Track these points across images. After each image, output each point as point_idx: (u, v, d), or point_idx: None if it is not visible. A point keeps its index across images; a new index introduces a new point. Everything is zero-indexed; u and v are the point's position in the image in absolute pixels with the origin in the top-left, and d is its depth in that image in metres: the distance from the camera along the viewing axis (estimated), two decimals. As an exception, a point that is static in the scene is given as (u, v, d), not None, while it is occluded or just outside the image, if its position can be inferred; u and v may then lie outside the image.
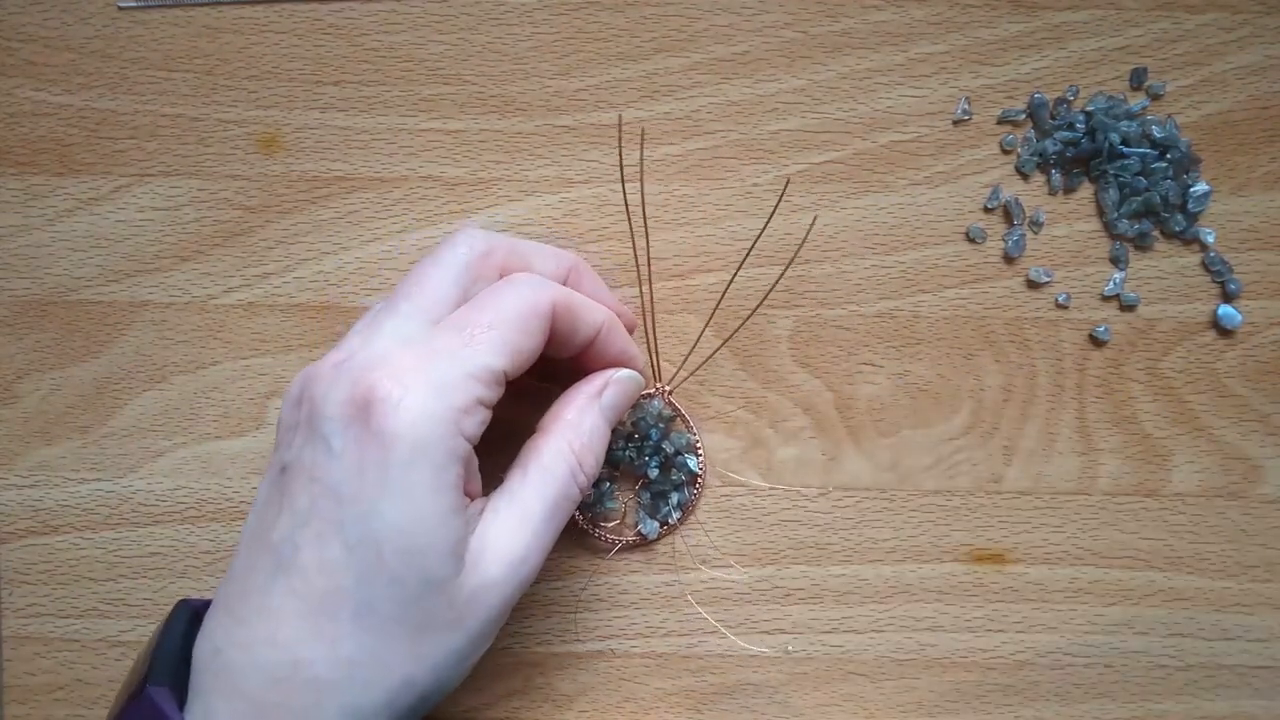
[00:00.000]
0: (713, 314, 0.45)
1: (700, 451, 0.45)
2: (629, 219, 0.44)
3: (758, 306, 0.45)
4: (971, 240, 0.47)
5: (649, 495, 0.45)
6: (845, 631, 0.46)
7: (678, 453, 0.45)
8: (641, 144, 0.44)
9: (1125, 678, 0.46)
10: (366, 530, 0.33)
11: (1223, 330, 0.46)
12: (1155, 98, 0.47)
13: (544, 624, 0.46)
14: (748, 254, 0.45)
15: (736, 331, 0.46)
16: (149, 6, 0.47)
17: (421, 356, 0.35)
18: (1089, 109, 0.47)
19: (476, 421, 0.35)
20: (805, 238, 0.36)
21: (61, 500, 0.46)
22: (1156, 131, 0.46)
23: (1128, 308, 0.47)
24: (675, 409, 0.45)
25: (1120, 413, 0.46)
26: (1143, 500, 0.46)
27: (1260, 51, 0.47)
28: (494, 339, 0.36)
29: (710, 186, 0.47)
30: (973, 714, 0.46)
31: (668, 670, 0.46)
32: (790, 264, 0.42)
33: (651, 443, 0.44)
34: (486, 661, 0.45)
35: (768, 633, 0.46)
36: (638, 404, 0.44)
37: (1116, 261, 0.47)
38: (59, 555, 0.46)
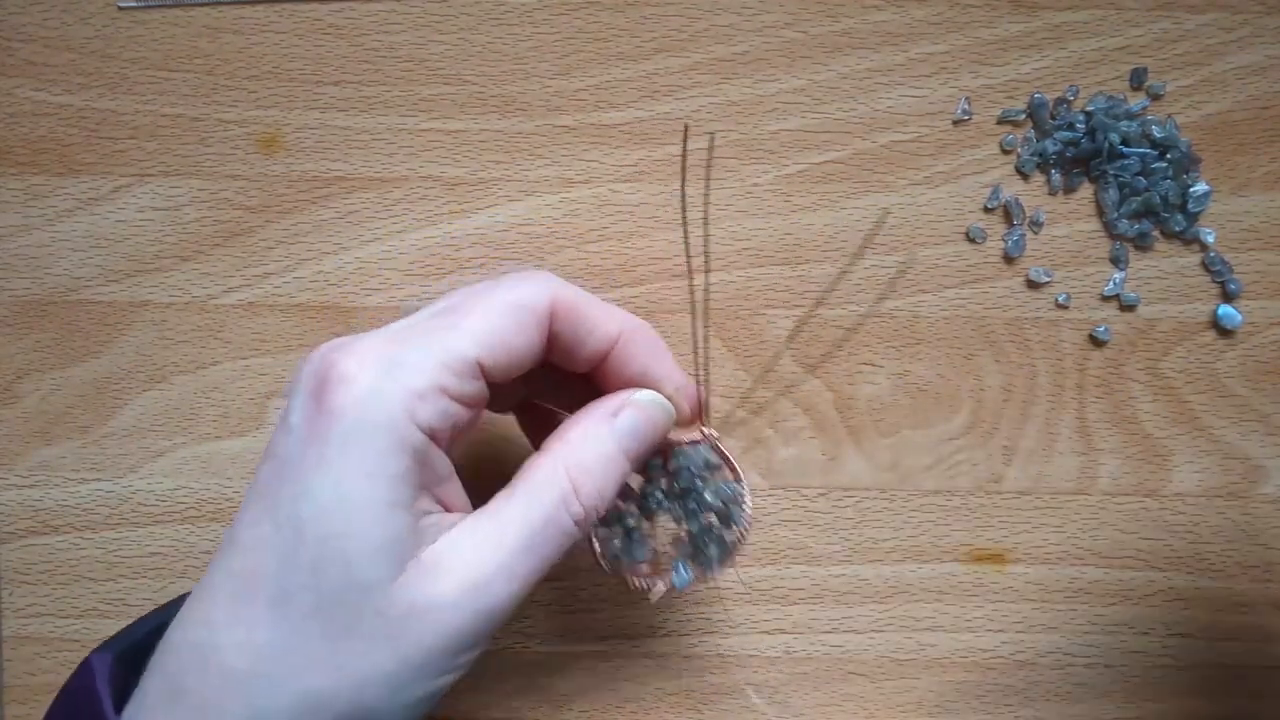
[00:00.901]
0: (773, 354, 0.45)
1: (746, 503, 0.40)
2: (688, 257, 0.43)
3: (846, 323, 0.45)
4: (971, 240, 0.47)
5: (688, 546, 0.40)
6: (845, 631, 0.46)
7: (724, 504, 0.39)
8: (708, 175, 0.42)
9: (1125, 678, 0.46)
10: (294, 509, 0.30)
11: (1223, 330, 0.46)
12: (1155, 98, 0.47)
13: (544, 624, 0.46)
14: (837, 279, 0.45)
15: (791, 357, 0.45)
16: (149, 6, 0.47)
17: (392, 339, 0.32)
18: (1089, 109, 0.47)
19: (436, 411, 0.31)
20: (875, 231, 0.34)
21: (61, 500, 0.46)
22: (1156, 131, 0.46)
23: (1128, 308, 0.47)
24: (723, 455, 0.40)
25: (1120, 413, 0.46)
26: (1143, 500, 0.46)
27: (1260, 51, 0.47)
28: (473, 326, 0.33)
29: (710, 186, 0.47)
30: (973, 714, 0.46)
31: (668, 670, 0.46)
32: (856, 257, 0.42)
33: (695, 494, 0.39)
34: (487, 661, 0.45)
35: (768, 633, 0.46)
36: (678, 450, 0.39)
37: (1116, 261, 0.47)
38: (59, 555, 0.46)
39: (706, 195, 0.36)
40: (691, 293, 0.42)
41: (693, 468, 0.39)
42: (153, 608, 0.46)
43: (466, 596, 0.31)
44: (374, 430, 0.30)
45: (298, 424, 0.31)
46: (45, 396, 0.46)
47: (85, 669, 0.33)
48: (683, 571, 0.39)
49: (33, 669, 0.46)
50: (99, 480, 0.46)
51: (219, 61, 0.47)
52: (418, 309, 0.35)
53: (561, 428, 0.35)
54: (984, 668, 0.46)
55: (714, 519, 0.39)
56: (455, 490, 0.34)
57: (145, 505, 0.46)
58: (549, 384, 0.38)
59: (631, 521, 0.39)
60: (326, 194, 0.47)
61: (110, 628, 0.46)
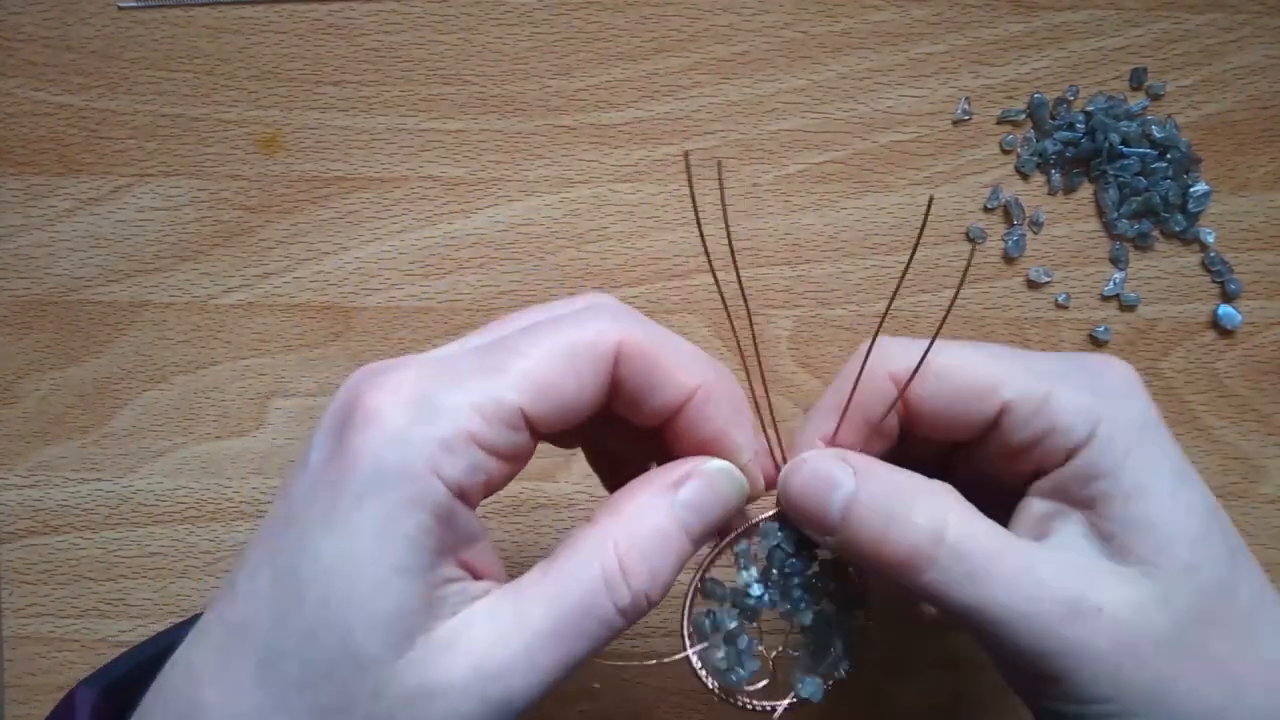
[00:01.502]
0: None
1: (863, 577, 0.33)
2: (724, 303, 0.34)
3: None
4: (971, 240, 0.47)
5: (806, 644, 0.33)
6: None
7: (838, 585, 0.32)
8: (721, 184, 0.34)
9: (1125, 678, 0.46)
10: (295, 563, 0.27)
11: (1223, 330, 0.46)
12: (1155, 98, 0.47)
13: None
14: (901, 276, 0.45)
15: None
16: (149, 6, 0.47)
17: (430, 373, 0.28)
18: (1089, 109, 0.47)
19: (465, 464, 0.27)
20: (925, 219, 0.32)
21: (61, 500, 0.46)
22: (1156, 131, 0.46)
23: (1128, 308, 0.47)
24: None
25: (1120, 413, 0.46)
26: (1143, 500, 0.46)
27: (1260, 51, 0.47)
28: (521, 368, 0.28)
29: (710, 186, 0.47)
30: (973, 714, 0.46)
31: (668, 670, 0.46)
32: (914, 249, 0.39)
33: (798, 579, 0.32)
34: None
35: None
36: (764, 528, 0.32)
37: (1116, 261, 0.47)
38: (59, 555, 0.46)
39: (727, 228, 0.32)
40: (754, 340, 0.36)
41: (785, 545, 0.32)
42: (152, 607, 0.46)
43: (477, 683, 0.27)
44: (391, 483, 0.26)
45: (315, 463, 0.28)
46: (45, 396, 0.46)
47: (68, 702, 0.32)
48: (809, 683, 0.32)
49: (33, 669, 0.46)
50: (99, 480, 0.46)
51: (219, 61, 0.47)
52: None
53: (615, 497, 0.30)
54: (984, 667, 0.46)
55: (828, 605, 0.32)
56: (486, 554, 0.29)
57: (145, 505, 0.46)
58: (617, 429, 0.33)
59: (732, 625, 0.32)
60: (326, 194, 0.47)
61: (110, 628, 0.46)
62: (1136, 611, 0.28)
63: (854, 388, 0.32)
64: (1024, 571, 0.29)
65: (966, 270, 0.42)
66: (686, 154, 0.33)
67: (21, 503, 0.46)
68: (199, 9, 0.47)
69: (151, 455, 0.46)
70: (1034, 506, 0.31)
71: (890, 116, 0.47)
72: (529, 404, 0.28)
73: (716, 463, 0.31)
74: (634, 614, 0.28)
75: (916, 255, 0.47)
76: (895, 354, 0.32)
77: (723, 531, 0.32)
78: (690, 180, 0.32)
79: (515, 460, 0.29)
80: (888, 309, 0.32)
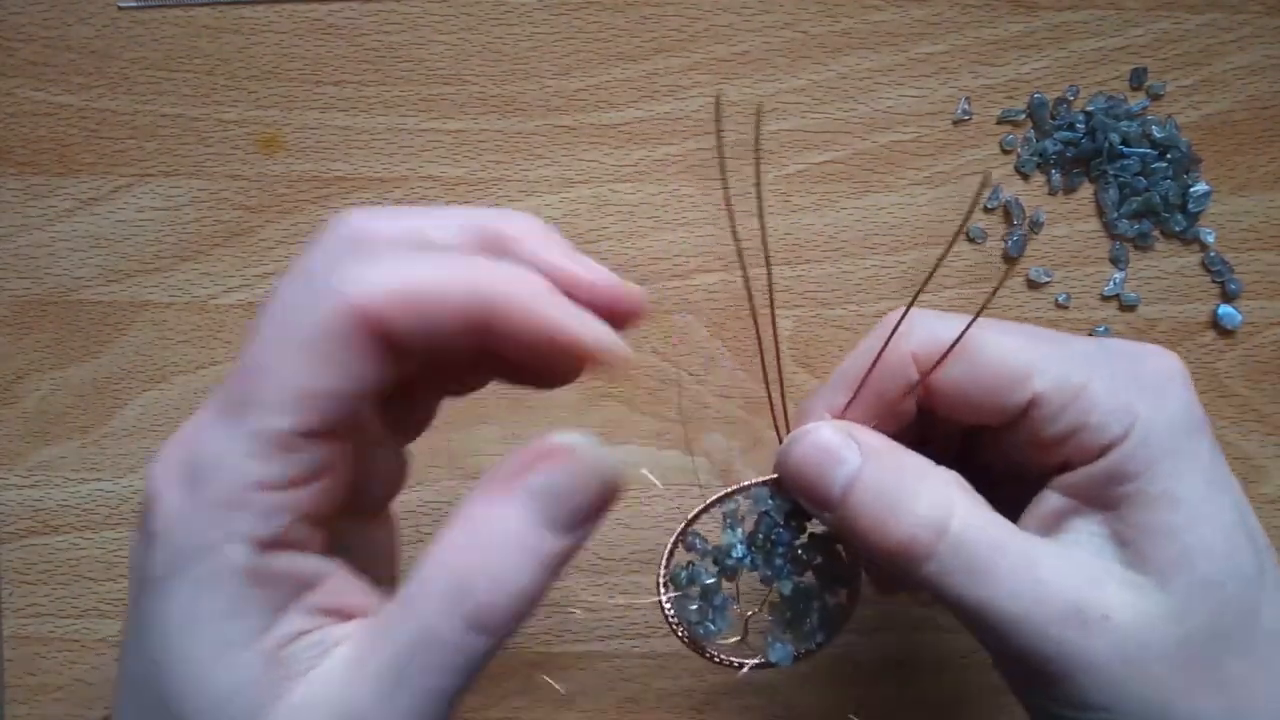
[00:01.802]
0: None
1: (853, 556, 0.32)
2: (743, 266, 0.33)
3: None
4: (971, 240, 0.47)
5: (785, 612, 0.32)
6: (845, 631, 0.46)
7: (823, 559, 0.32)
8: (757, 156, 0.31)
9: (1125, 678, 0.46)
10: (135, 662, 0.25)
11: (1223, 330, 0.46)
12: (1155, 98, 0.47)
13: (544, 624, 0.46)
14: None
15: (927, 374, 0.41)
16: (149, 6, 0.47)
17: (191, 431, 0.26)
18: (1089, 109, 0.47)
19: (252, 516, 0.24)
20: (977, 198, 0.30)
21: (61, 500, 0.46)
22: (1156, 131, 0.46)
23: (1128, 308, 0.47)
24: None
25: (1120, 413, 0.46)
26: (1143, 500, 0.46)
27: (1260, 51, 0.47)
28: (268, 388, 0.24)
29: (710, 186, 0.47)
30: (973, 714, 0.46)
31: (668, 670, 0.46)
32: (957, 236, 0.39)
33: (782, 548, 0.31)
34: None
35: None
36: (754, 492, 0.31)
37: (1116, 261, 0.47)
38: (59, 555, 0.46)
39: (759, 182, 0.29)
40: (771, 307, 0.33)
41: (775, 514, 0.31)
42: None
43: None
44: (185, 564, 0.24)
45: (131, 557, 0.26)
46: (45, 396, 0.46)
47: None
48: (780, 648, 0.32)
49: (33, 669, 0.46)
50: (99, 480, 0.46)
51: (219, 61, 0.47)
52: None
53: (461, 501, 0.26)
54: (984, 668, 0.46)
55: (811, 577, 0.32)
56: (347, 588, 0.26)
57: (145, 505, 0.46)
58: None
59: (709, 580, 0.32)
60: (326, 194, 0.47)
61: (110, 628, 0.46)
62: (1145, 623, 0.27)
63: (874, 362, 0.30)
64: (1027, 570, 0.27)
65: (995, 290, 0.41)
66: (718, 98, 0.31)
67: (21, 503, 0.46)
68: (199, 9, 0.47)
69: (151, 455, 0.46)
70: (1050, 501, 0.30)
71: (890, 116, 0.47)
72: (294, 420, 0.24)
73: (571, 437, 0.26)
74: (494, 629, 0.24)
75: (916, 255, 0.47)
76: (919, 329, 0.30)
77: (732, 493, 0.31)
78: (719, 126, 0.29)
79: (315, 478, 0.25)
80: (914, 296, 0.30)
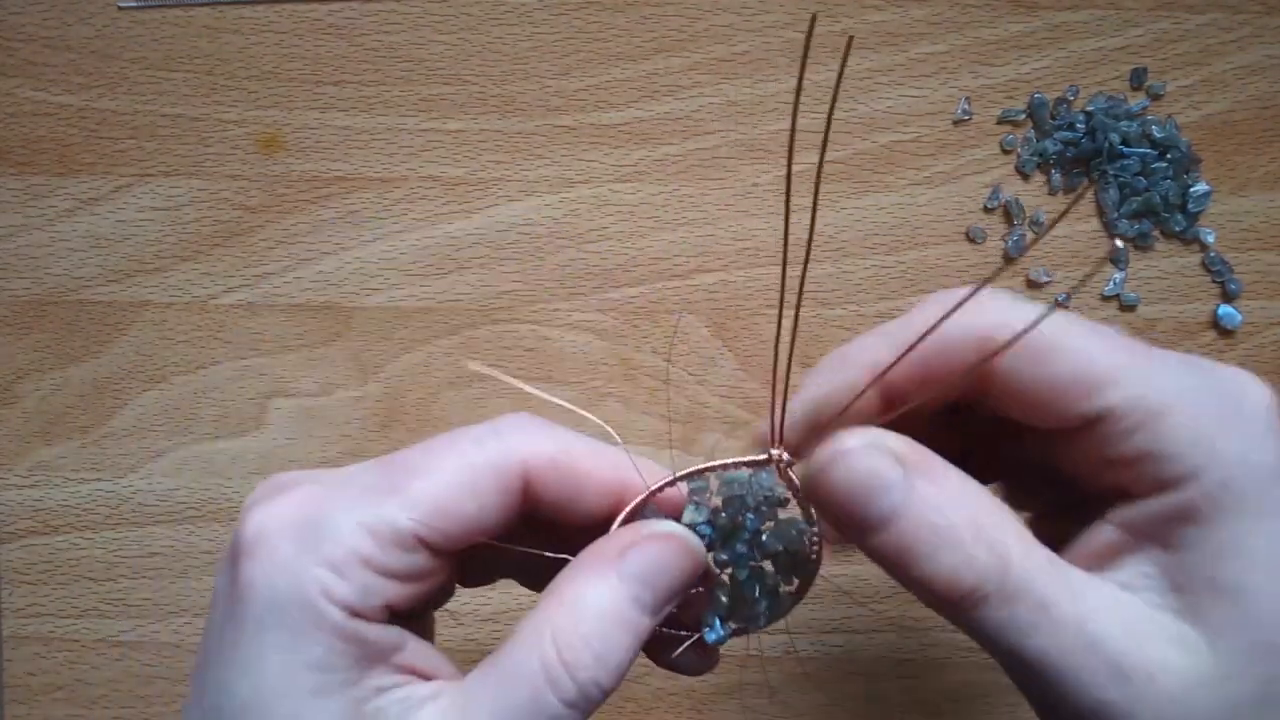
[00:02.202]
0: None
1: (817, 546, 0.31)
2: (785, 227, 0.31)
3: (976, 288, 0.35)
4: (971, 240, 0.47)
5: (730, 594, 0.31)
6: (845, 631, 0.46)
7: (784, 549, 0.30)
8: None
9: (1125, 678, 0.46)
10: (216, 701, 0.26)
11: (1223, 330, 0.46)
12: (1155, 98, 0.47)
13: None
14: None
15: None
16: (149, 6, 0.47)
17: (323, 495, 0.27)
18: (1089, 109, 0.47)
19: (356, 587, 0.26)
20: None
21: (61, 500, 0.46)
22: (1156, 131, 0.46)
23: (1128, 308, 0.47)
24: (793, 487, 0.30)
25: (1120, 413, 0.46)
26: (1143, 500, 0.46)
27: (1260, 51, 0.47)
28: (416, 489, 0.27)
29: (710, 186, 0.47)
30: (973, 714, 0.46)
31: (665, 670, 0.46)
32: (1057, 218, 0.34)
33: (746, 533, 0.30)
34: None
35: (768, 633, 0.46)
36: (729, 477, 0.30)
37: (1116, 261, 0.47)
38: (59, 555, 0.46)
39: (818, 176, 0.27)
40: (802, 282, 0.31)
41: (749, 498, 0.30)
42: (152, 607, 0.46)
43: None
44: (286, 610, 0.26)
45: (218, 594, 0.27)
46: (45, 396, 0.46)
47: None
48: (717, 627, 0.31)
49: (33, 669, 0.46)
50: (99, 480, 0.46)
51: (219, 61, 0.47)
52: None
53: (556, 578, 0.27)
54: (984, 668, 0.46)
55: (768, 565, 0.31)
56: (426, 656, 0.28)
57: (145, 505, 0.46)
58: (542, 535, 0.30)
59: None
60: (326, 194, 0.47)
61: (110, 628, 0.46)
62: (1191, 685, 0.25)
63: (920, 339, 0.26)
64: (1079, 621, 0.25)
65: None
66: (814, 18, 0.27)
67: (21, 503, 0.46)
68: (199, 9, 0.47)
69: (151, 455, 0.46)
70: (1104, 535, 0.27)
71: (890, 116, 0.47)
72: (424, 526, 0.26)
73: (665, 525, 0.28)
74: (587, 704, 0.26)
75: (916, 255, 0.47)
76: (991, 309, 0.27)
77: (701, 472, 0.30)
78: (807, 46, 0.26)
79: (418, 580, 0.27)
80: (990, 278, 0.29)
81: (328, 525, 0.26)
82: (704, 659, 0.31)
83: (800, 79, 0.26)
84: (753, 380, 0.46)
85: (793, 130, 0.26)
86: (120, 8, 0.47)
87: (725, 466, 0.30)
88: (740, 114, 0.47)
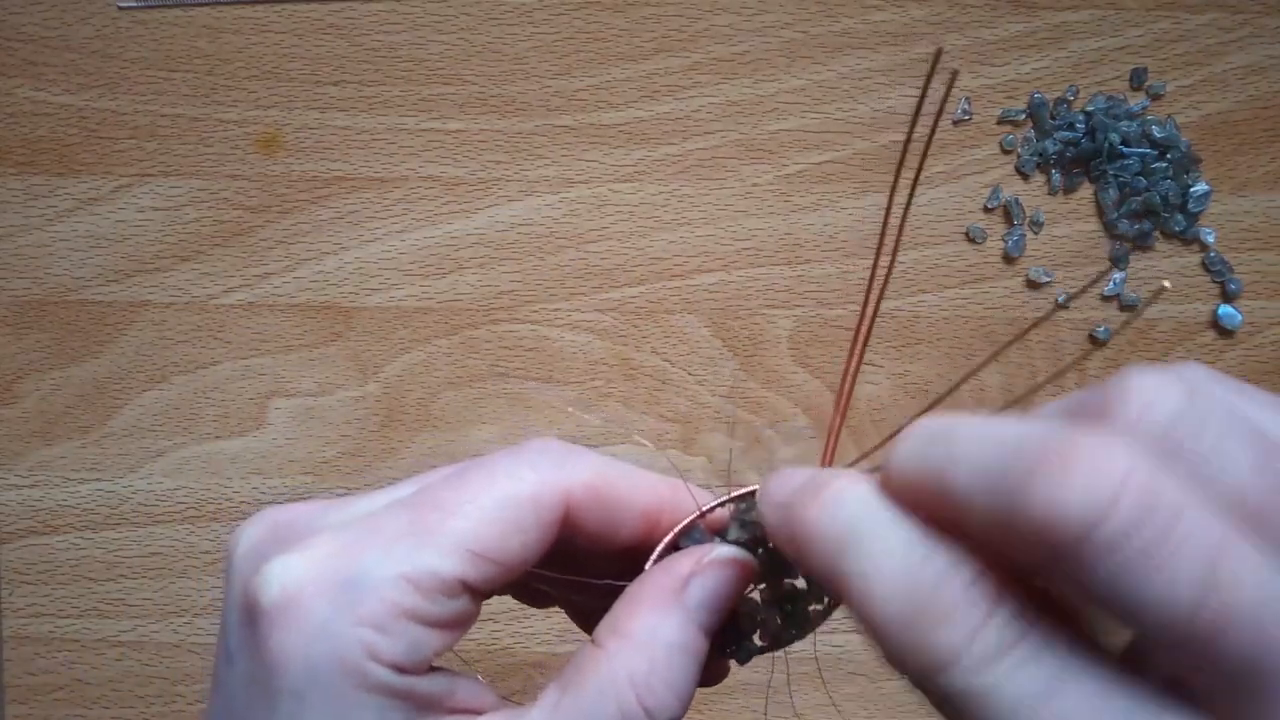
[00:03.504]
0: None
1: None
2: (884, 223, 0.28)
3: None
4: (971, 240, 0.47)
5: (756, 611, 0.31)
6: (845, 631, 0.46)
7: (810, 594, 0.30)
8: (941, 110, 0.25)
9: (1125, 678, 0.46)
10: None
11: (1223, 330, 0.46)
12: (1155, 98, 0.47)
13: (544, 624, 0.46)
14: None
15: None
16: (149, 6, 0.47)
17: (349, 540, 0.25)
18: (1089, 109, 0.47)
19: (404, 645, 0.24)
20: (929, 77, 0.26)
21: (61, 500, 0.46)
22: (1156, 131, 0.46)
23: (1128, 308, 0.47)
24: None
25: (1120, 413, 0.46)
26: (1143, 500, 0.46)
27: (1260, 51, 0.47)
28: (455, 530, 0.25)
29: (710, 186, 0.47)
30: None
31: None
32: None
33: (774, 551, 0.29)
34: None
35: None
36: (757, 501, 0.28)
37: (1116, 261, 0.47)
38: (59, 555, 0.46)
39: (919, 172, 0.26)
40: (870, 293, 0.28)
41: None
42: (152, 607, 0.46)
43: None
44: (327, 681, 0.24)
45: (238, 653, 0.25)
46: (45, 396, 0.46)
47: None
48: (746, 643, 0.30)
49: (33, 669, 0.46)
50: (99, 480, 0.46)
51: (219, 61, 0.47)
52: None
53: (618, 614, 0.26)
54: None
55: (798, 584, 0.30)
56: (474, 691, 0.27)
57: (145, 505, 0.46)
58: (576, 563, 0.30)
59: None
60: (326, 194, 0.47)
61: (110, 628, 0.46)
62: None
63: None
64: None
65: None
66: (938, 52, 0.24)
67: (21, 503, 0.46)
68: (199, 9, 0.47)
69: (151, 455, 0.46)
70: None
71: (890, 116, 0.47)
72: (468, 570, 0.25)
73: (724, 550, 0.27)
74: None
75: (916, 255, 0.47)
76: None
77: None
78: (929, 79, 0.24)
79: (460, 626, 0.26)
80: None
81: (364, 580, 0.24)
82: (717, 671, 0.31)
83: (917, 111, 0.24)
84: (753, 380, 0.46)
85: (902, 156, 0.24)
86: (120, 8, 0.47)
87: (744, 498, 0.29)
88: (740, 114, 0.47)
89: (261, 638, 0.24)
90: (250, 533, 0.26)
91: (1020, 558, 0.19)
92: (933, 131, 0.26)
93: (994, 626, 0.20)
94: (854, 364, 0.28)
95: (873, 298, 0.27)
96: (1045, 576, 0.19)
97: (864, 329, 0.28)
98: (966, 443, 0.20)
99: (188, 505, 0.46)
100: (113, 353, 0.47)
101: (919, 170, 0.27)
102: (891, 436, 0.23)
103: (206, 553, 0.46)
